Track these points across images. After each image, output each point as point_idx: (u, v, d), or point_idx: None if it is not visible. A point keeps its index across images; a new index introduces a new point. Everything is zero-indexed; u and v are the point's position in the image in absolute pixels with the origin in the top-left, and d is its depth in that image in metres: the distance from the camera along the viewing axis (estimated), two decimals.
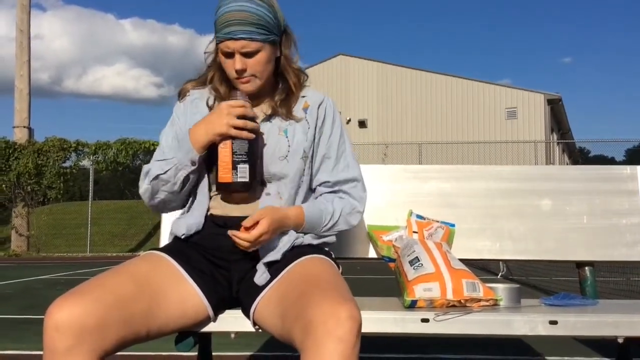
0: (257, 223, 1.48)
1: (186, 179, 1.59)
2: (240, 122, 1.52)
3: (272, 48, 1.60)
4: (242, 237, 1.48)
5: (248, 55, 1.56)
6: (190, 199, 1.68)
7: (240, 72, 1.58)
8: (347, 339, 1.19)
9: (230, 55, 1.58)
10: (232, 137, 1.52)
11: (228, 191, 1.58)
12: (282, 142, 1.64)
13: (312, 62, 25.14)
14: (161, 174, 1.59)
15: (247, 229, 1.48)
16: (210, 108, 1.67)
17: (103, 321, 1.28)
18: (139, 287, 1.39)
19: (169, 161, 1.58)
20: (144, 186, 1.63)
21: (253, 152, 1.54)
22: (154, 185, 1.61)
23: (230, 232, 1.49)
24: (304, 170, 1.66)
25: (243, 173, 1.51)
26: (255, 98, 1.66)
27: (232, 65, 1.58)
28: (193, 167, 1.57)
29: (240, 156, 1.52)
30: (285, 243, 1.57)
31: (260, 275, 1.51)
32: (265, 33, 1.56)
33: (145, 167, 1.64)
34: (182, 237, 1.62)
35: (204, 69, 1.74)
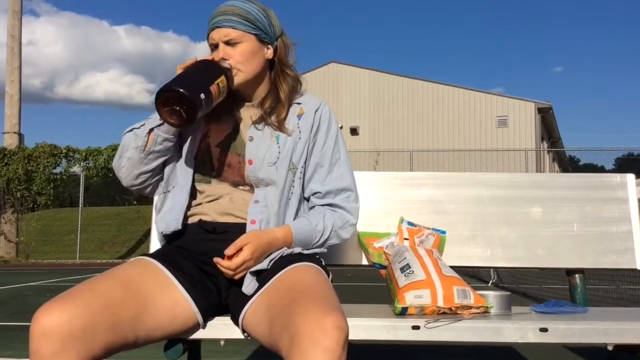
0: (240, 250, 1.48)
1: (150, 132, 1.61)
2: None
3: (259, 43, 1.63)
4: (224, 265, 1.48)
5: (231, 44, 1.60)
6: (168, 194, 1.68)
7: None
8: (332, 350, 1.18)
9: (216, 47, 1.62)
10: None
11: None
12: (273, 148, 1.63)
13: (304, 70, 25.12)
14: (136, 128, 1.65)
15: (230, 257, 1.48)
16: None
17: (91, 326, 1.27)
18: (127, 292, 1.37)
19: (146, 120, 1.65)
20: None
21: (186, 70, 1.54)
22: (125, 140, 1.67)
23: (215, 260, 1.49)
24: (293, 181, 1.65)
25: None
26: (248, 100, 1.68)
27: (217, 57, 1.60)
28: (160, 123, 1.59)
29: None
30: (274, 252, 1.56)
31: (248, 284, 1.50)
32: (249, 25, 1.60)
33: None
34: (162, 234, 1.64)
35: None
